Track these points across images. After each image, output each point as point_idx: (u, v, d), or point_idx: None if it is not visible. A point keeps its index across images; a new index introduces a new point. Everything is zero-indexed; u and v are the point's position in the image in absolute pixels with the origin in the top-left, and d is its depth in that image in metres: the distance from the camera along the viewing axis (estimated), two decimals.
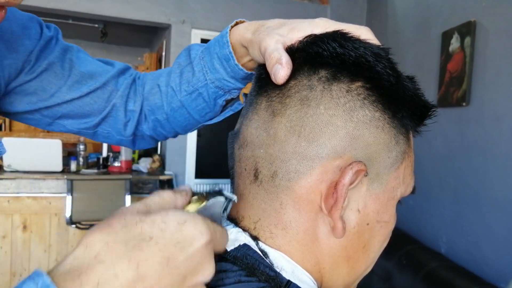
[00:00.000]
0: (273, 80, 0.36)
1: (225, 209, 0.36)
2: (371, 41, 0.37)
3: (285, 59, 0.36)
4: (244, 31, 0.47)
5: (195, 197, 0.34)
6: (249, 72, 0.49)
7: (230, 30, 0.50)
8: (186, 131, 0.64)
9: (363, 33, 0.38)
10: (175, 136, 0.66)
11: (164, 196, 0.32)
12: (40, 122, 0.58)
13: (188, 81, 0.56)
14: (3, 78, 0.51)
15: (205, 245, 0.28)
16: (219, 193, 0.35)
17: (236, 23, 0.50)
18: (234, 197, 0.36)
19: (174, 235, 0.27)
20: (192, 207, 0.33)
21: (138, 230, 0.26)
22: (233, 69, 0.51)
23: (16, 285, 0.23)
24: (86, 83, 0.57)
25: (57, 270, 0.24)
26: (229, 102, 0.57)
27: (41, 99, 0.55)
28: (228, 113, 0.59)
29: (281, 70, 0.35)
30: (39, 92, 0.55)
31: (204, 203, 0.34)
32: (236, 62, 0.50)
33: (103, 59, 0.62)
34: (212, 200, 0.35)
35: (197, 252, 0.27)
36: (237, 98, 0.57)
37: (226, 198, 0.36)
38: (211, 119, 0.61)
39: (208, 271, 0.28)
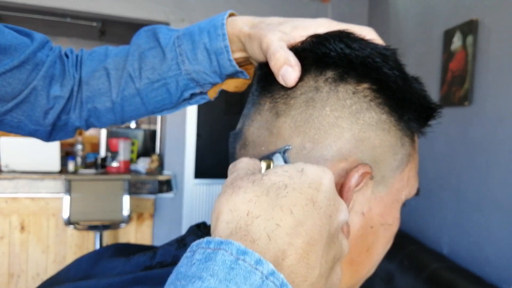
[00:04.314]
0: (282, 82, 0.35)
1: (285, 160, 0.35)
2: (376, 41, 0.36)
3: (294, 60, 0.35)
4: (242, 25, 0.43)
5: (262, 161, 0.34)
6: (239, 69, 0.45)
7: (227, 22, 0.45)
8: (125, 122, 0.55)
9: (367, 33, 0.37)
10: (105, 127, 0.56)
11: (246, 161, 0.31)
12: None
13: (153, 67, 0.49)
14: None
15: (332, 181, 0.28)
16: (268, 157, 0.34)
17: (229, 15, 0.46)
18: (287, 146, 0.34)
19: (303, 178, 0.27)
20: (272, 167, 0.33)
21: (268, 182, 0.26)
22: (222, 64, 0.46)
23: (184, 262, 0.22)
24: None
25: (220, 237, 0.23)
26: (192, 96, 0.52)
27: None
28: (184, 105, 0.53)
29: (292, 72, 0.34)
30: None
31: (272, 163, 0.33)
32: (230, 57, 0.45)
33: (16, 27, 0.49)
34: (275, 158, 0.34)
35: (330, 189, 0.27)
36: (205, 92, 0.51)
37: (280, 152, 0.34)
38: (163, 111, 0.54)
39: (344, 208, 0.28)
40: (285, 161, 0.34)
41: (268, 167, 0.33)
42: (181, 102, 0.52)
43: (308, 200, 0.26)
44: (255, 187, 0.26)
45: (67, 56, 0.52)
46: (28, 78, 0.48)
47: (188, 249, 0.23)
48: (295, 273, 0.23)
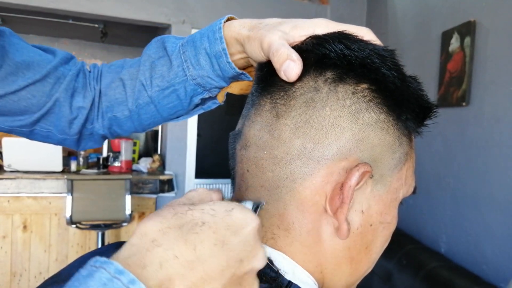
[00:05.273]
0: (284, 77, 0.35)
1: (255, 210, 0.36)
2: (374, 42, 0.37)
3: (296, 55, 0.35)
4: (239, 28, 0.44)
5: (225, 198, 0.35)
6: (239, 71, 0.47)
7: (224, 26, 0.47)
8: (145, 129, 0.58)
9: (365, 34, 0.38)
10: (129, 135, 0.61)
11: (200, 192, 0.33)
12: None
13: (162, 75, 0.51)
14: None
15: (256, 230, 0.28)
16: (240, 201, 0.35)
17: (228, 19, 0.47)
18: (263, 202, 0.36)
19: (224, 219, 0.27)
20: None
21: (189, 217, 0.27)
22: (223, 67, 0.47)
23: (76, 276, 0.23)
24: (22, 75, 0.50)
25: (117, 258, 0.25)
26: (203, 101, 0.54)
27: None
28: (198, 111, 0.56)
29: (294, 67, 0.35)
30: None
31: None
32: (229, 59, 0.46)
33: (42, 46, 0.54)
34: (243, 203, 0.35)
35: (249, 235, 0.28)
36: (214, 97, 0.54)
37: (254, 203, 0.36)
38: (178, 117, 0.56)
39: (262, 256, 0.28)
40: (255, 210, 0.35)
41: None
42: (193, 108, 0.54)
43: (219, 241, 0.26)
44: (172, 219, 0.27)
45: (89, 70, 0.56)
46: (51, 91, 0.52)
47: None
48: None
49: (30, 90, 0.50)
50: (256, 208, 0.36)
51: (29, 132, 0.55)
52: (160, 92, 0.52)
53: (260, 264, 0.28)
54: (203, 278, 0.25)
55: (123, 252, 0.25)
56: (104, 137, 0.60)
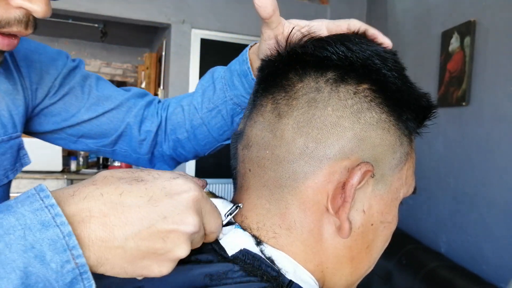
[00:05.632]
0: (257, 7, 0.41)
1: (231, 213, 0.37)
2: (370, 31, 0.39)
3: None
4: (259, 44, 0.51)
5: (206, 191, 0.36)
6: None
7: (249, 49, 0.56)
8: (205, 150, 0.68)
9: (354, 24, 0.41)
10: (194, 157, 0.70)
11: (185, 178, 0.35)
12: (66, 141, 0.67)
13: (209, 98, 0.61)
14: (32, 101, 0.60)
15: (192, 199, 0.30)
16: (215, 196, 0.37)
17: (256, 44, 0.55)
18: (241, 204, 0.37)
19: (163, 183, 0.30)
20: None
21: (135, 174, 0.31)
22: (250, 84, 0.55)
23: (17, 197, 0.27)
24: (102, 104, 0.65)
25: (59, 190, 0.29)
26: None
27: (63, 119, 0.64)
28: None
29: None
30: (62, 113, 0.63)
31: (211, 198, 0.35)
32: (252, 76, 0.55)
33: (124, 88, 0.70)
34: (220, 200, 0.36)
35: (182, 201, 0.30)
36: None
37: (234, 204, 0.37)
38: (228, 138, 0.65)
39: (192, 223, 0.30)
40: (230, 213, 0.36)
41: (209, 196, 0.36)
42: None
43: (147, 196, 0.29)
44: (120, 173, 0.31)
45: (161, 102, 0.70)
46: (124, 117, 0.66)
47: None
48: (93, 231, 0.27)
49: (108, 116, 0.65)
50: (234, 210, 0.37)
51: (112, 152, 0.68)
52: (208, 113, 0.61)
53: (186, 228, 0.29)
54: (120, 218, 0.28)
55: (70, 186, 0.30)
56: (173, 159, 0.70)
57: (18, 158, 0.58)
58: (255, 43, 0.56)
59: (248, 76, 0.55)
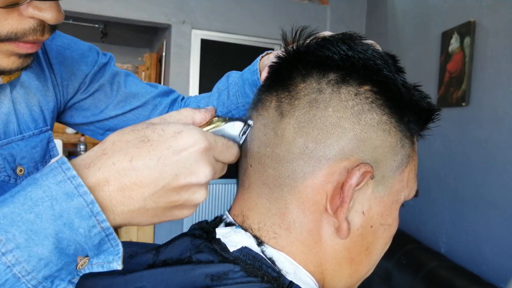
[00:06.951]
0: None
1: (244, 132, 0.38)
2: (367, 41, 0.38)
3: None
4: (270, 55, 0.52)
5: (216, 118, 0.37)
6: None
7: (260, 60, 0.58)
8: None
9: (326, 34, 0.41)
10: None
11: (182, 112, 0.35)
12: (94, 133, 0.71)
13: (223, 102, 0.64)
14: (63, 97, 0.63)
15: (199, 151, 0.31)
16: (240, 119, 0.38)
17: (267, 54, 0.58)
18: (251, 122, 0.38)
19: (168, 140, 0.31)
20: (210, 127, 0.36)
21: (141, 133, 0.31)
22: None
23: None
24: (129, 102, 0.68)
25: (75, 160, 0.31)
26: None
27: (93, 113, 0.67)
28: None
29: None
30: (92, 108, 0.67)
31: (222, 125, 0.36)
32: None
33: (150, 83, 0.73)
34: (231, 123, 0.37)
35: (190, 156, 0.31)
36: None
37: (244, 122, 0.37)
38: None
39: (203, 174, 0.31)
40: (244, 132, 0.37)
41: (219, 122, 0.36)
42: None
43: (156, 157, 0.30)
44: (127, 134, 0.31)
45: (183, 99, 0.74)
46: (149, 115, 0.69)
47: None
48: (114, 197, 0.30)
49: (134, 113, 0.68)
50: (246, 129, 0.37)
51: None
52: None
53: (199, 180, 0.31)
54: (135, 183, 0.30)
55: (82, 156, 0.31)
56: None
57: (48, 150, 0.61)
58: (266, 53, 0.58)
59: (258, 86, 0.58)
